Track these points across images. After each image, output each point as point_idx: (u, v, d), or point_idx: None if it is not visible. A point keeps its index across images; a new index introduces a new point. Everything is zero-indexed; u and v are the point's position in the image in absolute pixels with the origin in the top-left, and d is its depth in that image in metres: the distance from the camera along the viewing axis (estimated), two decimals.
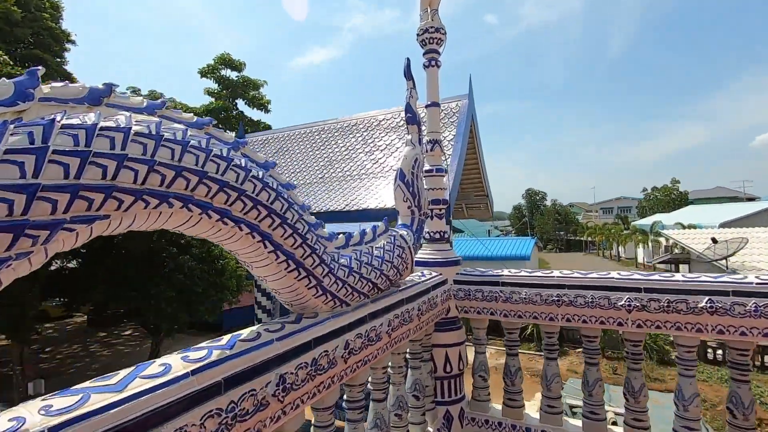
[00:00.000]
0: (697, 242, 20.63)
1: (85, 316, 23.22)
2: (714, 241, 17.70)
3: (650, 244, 38.76)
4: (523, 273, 3.08)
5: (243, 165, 1.22)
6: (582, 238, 59.19)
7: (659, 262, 28.01)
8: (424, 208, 2.97)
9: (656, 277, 2.63)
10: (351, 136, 11.12)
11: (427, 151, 3.49)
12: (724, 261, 16.64)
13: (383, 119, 10.83)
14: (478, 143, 10.40)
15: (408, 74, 3.08)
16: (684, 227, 33.38)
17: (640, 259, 42.21)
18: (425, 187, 3.28)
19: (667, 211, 51.33)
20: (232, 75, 28.92)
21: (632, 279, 2.70)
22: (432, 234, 3.45)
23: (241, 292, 17.27)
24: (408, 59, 3.10)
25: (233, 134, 24.77)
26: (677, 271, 25.31)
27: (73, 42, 13.04)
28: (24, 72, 0.78)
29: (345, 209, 9.25)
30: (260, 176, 1.27)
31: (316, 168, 11.05)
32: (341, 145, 11.01)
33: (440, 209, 3.44)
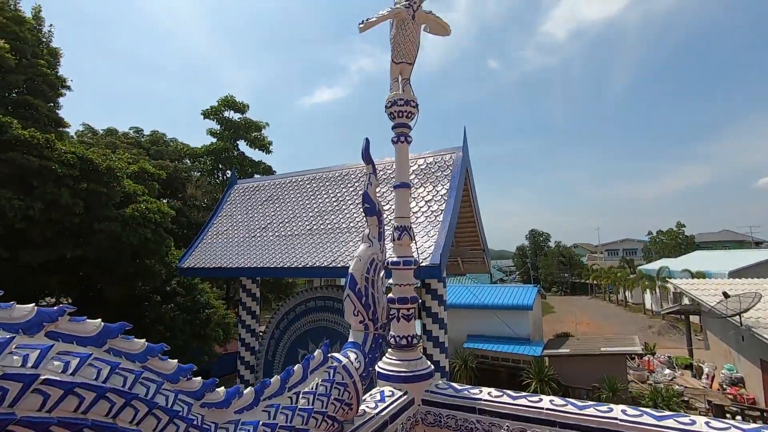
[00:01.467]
0: (707, 294, 19.70)
1: None
2: (725, 295, 16.86)
3: (657, 290, 37.63)
4: (505, 399, 2.49)
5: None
6: (587, 281, 57.89)
7: (668, 312, 26.90)
8: (382, 318, 2.43)
9: (671, 422, 2.08)
10: (342, 186, 10.76)
11: (394, 240, 2.99)
12: (737, 317, 15.74)
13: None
14: (474, 196, 9.99)
15: (366, 157, 2.63)
16: (692, 275, 32.39)
17: (647, 306, 40.90)
18: (387, 285, 2.75)
19: (673, 255, 50.33)
20: (235, 116, 29.27)
21: (639, 422, 2.14)
22: (398, 339, 2.88)
23: (228, 341, 16.48)
24: (367, 140, 2.66)
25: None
26: (688, 322, 24.21)
27: (68, 87, 13.08)
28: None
29: (331, 265, 8.71)
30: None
31: (305, 219, 10.62)
32: (331, 195, 10.63)
33: (408, 309, 2.90)
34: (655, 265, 44.41)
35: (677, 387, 18.15)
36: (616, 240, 79.67)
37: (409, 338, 2.84)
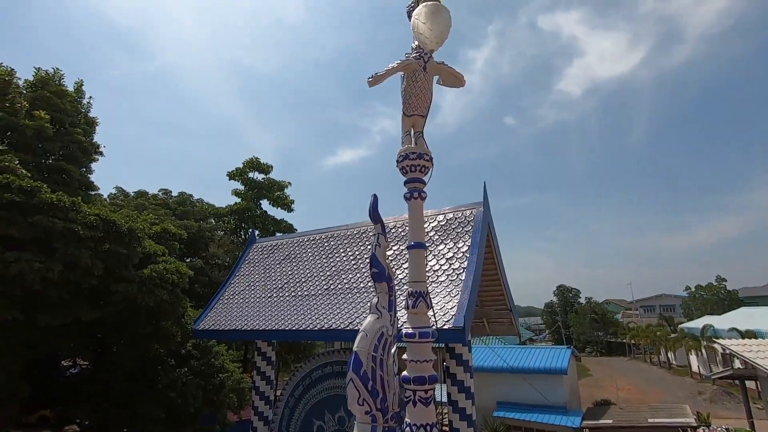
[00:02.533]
0: (763, 356, 17.88)
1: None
2: None
3: (704, 351, 34.72)
4: None
5: None
6: (624, 341, 54.19)
7: (720, 377, 24.43)
8: (394, 407, 2.02)
9: None
10: (360, 244, 10.51)
11: (408, 307, 2.63)
12: None
13: (393, 227, 10.26)
14: (497, 252, 9.54)
15: (374, 215, 2.36)
16: (741, 334, 29.86)
17: (694, 368, 37.58)
18: (397, 362, 2.34)
19: (717, 312, 46.95)
20: (259, 177, 30.20)
21: None
22: (415, 429, 2.42)
23: (243, 407, 15.64)
24: (374, 196, 2.40)
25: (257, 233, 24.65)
26: (744, 388, 21.82)
27: (101, 153, 13.79)
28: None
29: (349, 327, 8.24)
30: None
31: (323, 278, 10.30)
32: (349, 253, 10.37)
33: (426, 391, 2.47)
34: (698, 323, 41.33)
35: None
36: (652, 295, 75.44)
37: (429, 427, 2.39)
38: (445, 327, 7.10)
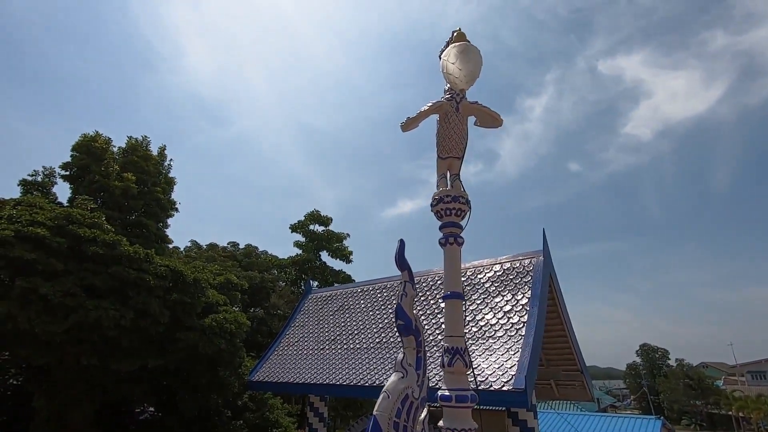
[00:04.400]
0: None
1: None
2: None
3: None
4: None
5: None
6: (730, 413, 46.28)
7: None
8: None
9: None
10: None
11: (444, 365, 2.37)
12: None
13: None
14: (562, 305, 8.75)
15: (401, 261, 2.20)
16: None
17: None
18: (427, 430, 2.08)
19: None
20: (319, 229, 31.20)
21: None
22: None
23: None
24: (401, 242, 2.26)
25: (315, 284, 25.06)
26: None
27: (176, 209, 15.10)
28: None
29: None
30: None
31: (374, 330, 10.03)
32: None
33: None
34: None
35: None
36: (761, 359, 64.69)
37: None
38: (505, 388, 6.47)
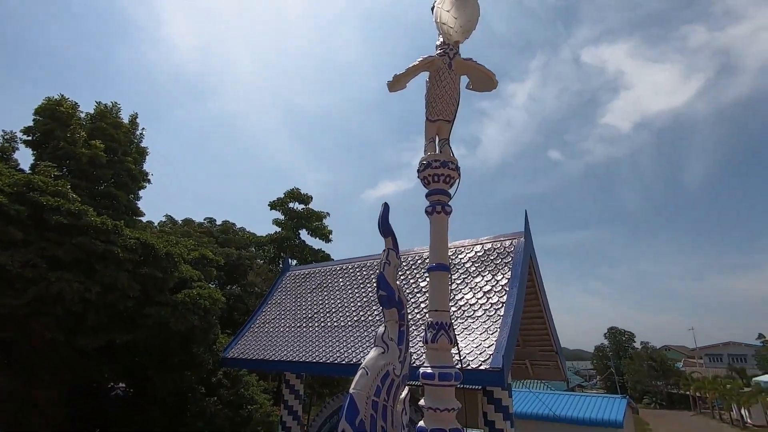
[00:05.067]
0: None
1: None
2: None
3: None
4: None
5: None
6: (688, 392, 48.89)
7: None
8: None
9: None
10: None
11: (427, 342, 2.20)
12: None
13: (428, 257, 9.78)
14: (540, 287, 8.79)
15: (384, 227, 1.99)
16: None
17: None
18: (408, 410, 1.90)
19: None
20: (299, 207, 30.76)
21: None
22: None
23: None
24: (385, 205, 2.04)
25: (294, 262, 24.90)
26: None
27: (148, 181, 14.47)
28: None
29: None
30: None
31: (354, 309, 9.90)
32: None
33: None
34: None
35: None
36: (718, 343, 68.41)
37: None
38: (482, 368, 6.44)
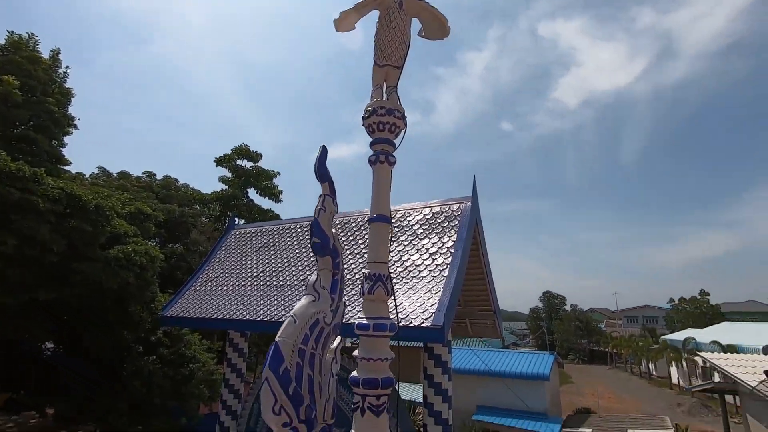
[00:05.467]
0: (743, 371, 17.72)
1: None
2: (767, 374, 15.02)
3: (685, 363, 34.85)
4: None
5: None
6: (606, 350, 54.44)
7: (700, 390, 24.41)
8: (325, 417, 1.53)
9: None
10: (341, 234, 10.02)
11: (364, 293, 2.15)
12: None
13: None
14: (484, 250, 9.11)
15: (321, 171, 1.87)
16: (722, 348, 29.98)
17: (674, 380, 37.72)
18: (339, 360, 1.86)
19: (698, 325, 47.29)
20: (247, 165, 29.51)
21: None
22: None
23: (215, 400, 15.07)
24: (323, 148, 1.91)
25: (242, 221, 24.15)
26: (723, 402, 21.76)
27: (75, 126, 13.07)
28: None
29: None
30: None
31: (300, 268, 9.80)
32: None
33: (378, 398, 2.00)
34: (680, 336, 41.56)
35: None
36: (636, 306, 76.02)
37: None
38: (424, 325, 6.66)
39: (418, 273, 7.85)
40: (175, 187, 28.31)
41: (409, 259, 8.26)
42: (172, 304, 10.83)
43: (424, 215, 9.04)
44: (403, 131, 2.42)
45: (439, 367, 7.81)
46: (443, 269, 7.64)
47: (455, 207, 8.80)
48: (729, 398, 21.99)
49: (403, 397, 17.70)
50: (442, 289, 7.20)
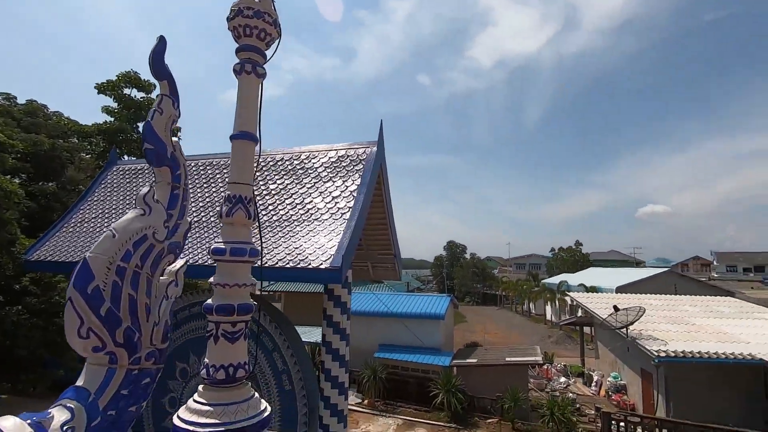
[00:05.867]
0: (599, 307, 21.15)
1: None
2: (615, 309, 18.09)
3: (557, 302, 40.48)
4: None
5: None
6: (497, 293, 61.03)
7: (565, 323, 28.75)
8: (154, 341, 1.36)
9: None
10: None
11: (223, 216, 1.95)
12: (625, 330, 16.89)
13: (281, 159, 9.32)
14: (387, 196, 9.25)
15: (158, 67, 1.57)
16: (587, 289, 35.23)
17: (548, 317, 43.81)
18: (179, 282, 1.69)
19: (572, 271, 54.88)
20: (138, 95, 25.95)
21: None
22: (213, 370, 1.83)
23: None
24: (161, 38, 1.60)
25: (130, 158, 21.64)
26: (582, 333, 25.97)
27: None
28: None
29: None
30: None
31: (194, 209, 9.08)
32: (224, 185, 9.22)
33: (234, 324, 1.88)
34: (556, 279, 47.99)
35: (571, 395, 19.08)
36: (524, 255, 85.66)
37: (232, 369, 1.81)
38: (323, 266, 6.66)
39: (320, 216, 7.74)
40: (44, 115, 23.96)
41: (312, 202, 8.09)
42: (38, 248, 9.49)
43: (330, 158, 8.82)
44: (277, 41, 2.15)
45: (338, 308, 7.98)
46: (345, 213, 7.62)
47: (361, 151, 8.70)
48: (587, 330, 26.34)
49: (310, 340, 18.14)
50: (342, 232, 7.21)
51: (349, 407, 18.20)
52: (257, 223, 1.99)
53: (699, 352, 15.03)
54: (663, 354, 14.84)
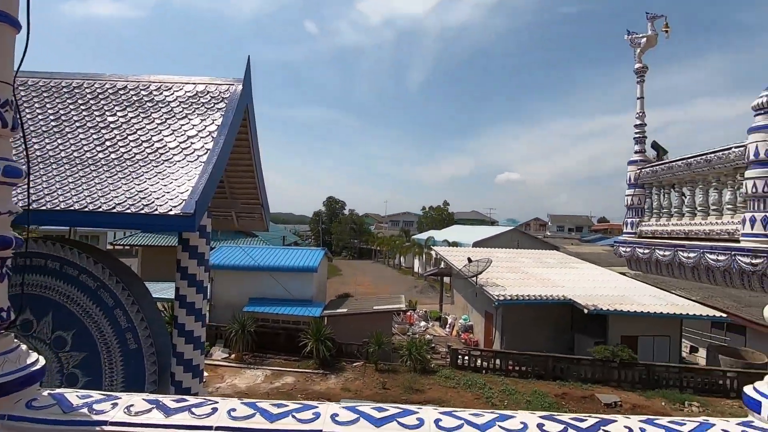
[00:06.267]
0: (458, 259, 23.66)
1: None
2: (469, 260, 20.44)
3: (424, 256, 44.22)
4: (153, 416, 1.39)
5: None
6: (373, 247, 63.99)
7: (429, 274, 31.65)
8: None
9: None
10: (71, 102, 7.76)
11: None
12: (475, 278, 19.28)
13: (124, 88, 7.91)
14: (254, 142, 8.61)
15: None
16: (450, 244, 39.07)
17: (416, 269, 47.73)
18: None
19: (439, 228, 60.14)
20: None
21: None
22: None
23: None
24: None
25: None
26: (441, 282, 28.96)
27: None
28: None
29: (33, 207, 6.06)
30: None
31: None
32: (50, 112, 7.53)
33: None
34: (424, 236, 52.17)
35: (428, 336, 21.40)
36: (399, 212, 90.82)
37: None
38: (172, 212, 5.96)
39: (171, 156, 6.86)
40: None
41: (162, 140, 7.10)
42: None
43: (186, 92, 7.78)
44: None
45: (194, 259, 7.36)
46: (202, 155, 6.88)
47: (224, 88, 7.84)
48: (447, 280, 29.44)
49: (171, 297, 16.68)
50: (198, 176, 6.52)
51: (216, 362, 17.60)
52: (21, 135, 1.57)
53: (528, 296, 18.01)
54: (502, 297, 17.43)
